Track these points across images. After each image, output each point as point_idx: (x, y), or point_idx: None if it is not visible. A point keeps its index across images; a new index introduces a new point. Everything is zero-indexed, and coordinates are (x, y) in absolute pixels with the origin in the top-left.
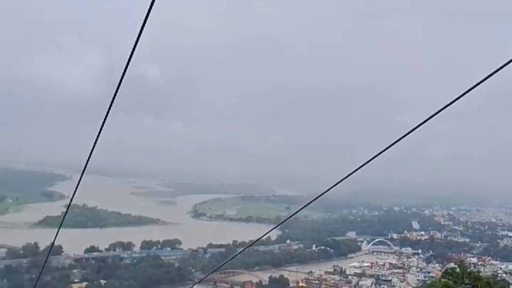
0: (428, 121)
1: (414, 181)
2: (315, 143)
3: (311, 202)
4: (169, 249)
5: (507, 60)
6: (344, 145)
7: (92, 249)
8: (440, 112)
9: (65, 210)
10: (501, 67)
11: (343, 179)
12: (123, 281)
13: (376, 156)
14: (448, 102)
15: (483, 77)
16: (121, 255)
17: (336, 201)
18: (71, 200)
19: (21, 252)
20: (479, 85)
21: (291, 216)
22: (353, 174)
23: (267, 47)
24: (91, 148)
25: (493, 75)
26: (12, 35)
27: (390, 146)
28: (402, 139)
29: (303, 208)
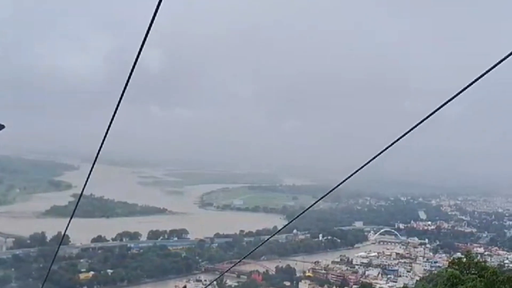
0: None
1: (421, 171)
2: (323, 133)
3: (327, 194)
4: (176, 239)
5: None
6: (353, 135)
7: (99, 238)
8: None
9: (72, 199)
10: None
11: (357, 171)
12: (130, 271)
13: (388, 147)
14: (457, 92)
15: (493, 63)
16: (128, 245)
17: (343, 191)
18: (82, 191)
19: (29, 241)
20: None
21: (311, 206)
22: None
23: (279, 30)
24: (102, 138)
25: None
26: (18, 24)
27: (400, 138)
28: (401, 131)
29: (321, 198)
